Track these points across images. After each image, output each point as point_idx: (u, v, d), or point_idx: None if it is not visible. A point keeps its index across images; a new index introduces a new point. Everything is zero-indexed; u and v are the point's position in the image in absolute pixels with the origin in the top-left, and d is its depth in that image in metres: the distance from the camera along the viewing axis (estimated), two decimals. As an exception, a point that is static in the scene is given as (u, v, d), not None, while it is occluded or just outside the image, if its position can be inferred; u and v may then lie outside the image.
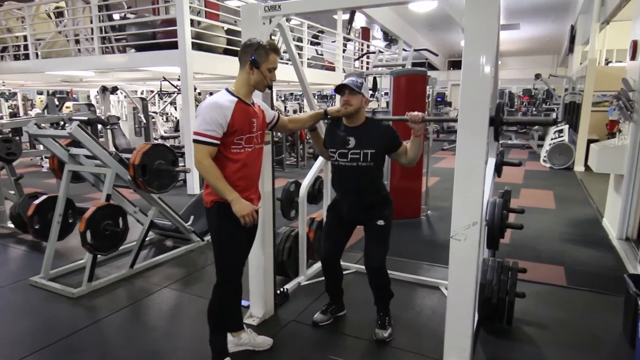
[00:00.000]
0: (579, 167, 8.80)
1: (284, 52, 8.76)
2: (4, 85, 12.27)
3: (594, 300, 3.22)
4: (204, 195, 2.24)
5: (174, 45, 6.47)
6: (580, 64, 10.75)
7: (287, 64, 8.95)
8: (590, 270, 3.76)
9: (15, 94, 15.02)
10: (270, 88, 2.26)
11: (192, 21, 6.54)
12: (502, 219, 2.72)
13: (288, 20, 9.60)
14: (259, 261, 2.82)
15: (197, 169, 2.11)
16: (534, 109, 18.09)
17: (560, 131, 9.61)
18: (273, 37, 6.94)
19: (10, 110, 13.88)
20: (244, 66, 2.17)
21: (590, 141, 8.69)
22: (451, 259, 2.25)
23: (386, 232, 2.59)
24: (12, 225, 4.68)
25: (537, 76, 12.34)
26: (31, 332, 2.78)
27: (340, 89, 2.50)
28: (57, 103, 9.26)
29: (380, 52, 11.79)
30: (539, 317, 2.93)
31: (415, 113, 2.42)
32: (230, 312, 2.33)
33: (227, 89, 2.19)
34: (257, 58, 2.13)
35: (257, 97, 2.62)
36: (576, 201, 6.30)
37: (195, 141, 2.07)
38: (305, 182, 3.40)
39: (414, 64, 11.82)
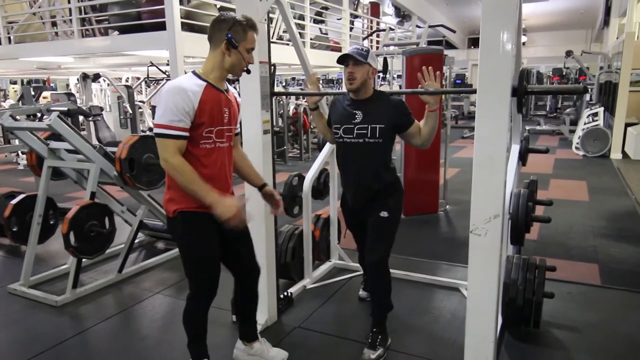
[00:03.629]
0: (615, 155, 8.76)
1: (284, 31, 8.79)
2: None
3: (632, 300, 3.24)
4: (164, 203, 2.16)
5: (161, 26, 6.50)
6: (617, 38, 10.67)
7: (287, 44, 8.96)
8: (628, 268, 3.78)
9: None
10: (248, 72, 2.16)
11: (181, -2, 6.56)
12: (528, 211, 2.74)
13: (287, -5, 9.61)
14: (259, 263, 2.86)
15: (164, 167, 2.00)
16: (565, 90, 18.02)
17: (595, 114, 9.58)
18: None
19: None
20: (217, 46, 2.07)
21: (628, 125, 8.68)
22: (471, 256, 2.27)
23: (389, 225, 2.59)
24: (-13, 229, 4.75)
25: (569, 53, 12.25)
26: (11, 344, 2.85)
27: (343, 59, 2.48)
28: (33, 93, 9.32)
29: (391, 29, 11.75)
30: (569, 320, 2.96)
31: (429, 82, 2.37)
32: (203, 323, 2.31)
33: (193, 72, 2.10)
34: (234, 36, 2.03)
35: (255, 81, 2.65)
36: (612, 192, 6.29)
37: (159, 135, 1.96)
38: (309, 176, 3.43)
39: (429, 42, 11.72)
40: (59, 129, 3.26)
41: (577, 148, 9.49)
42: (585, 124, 9.59)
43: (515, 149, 3.15)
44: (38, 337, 2.92)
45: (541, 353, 2.64)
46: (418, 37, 13.97)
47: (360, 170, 2.58)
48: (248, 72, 2.17)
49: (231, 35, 2.03)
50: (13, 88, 16.71)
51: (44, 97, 11.28)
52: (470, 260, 2.28)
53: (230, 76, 2.21)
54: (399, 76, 6.04)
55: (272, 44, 2.82)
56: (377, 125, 2.48)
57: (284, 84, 19.77)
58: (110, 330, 3.03)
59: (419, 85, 2.41)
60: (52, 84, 15.88)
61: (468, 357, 2.36)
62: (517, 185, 3.10)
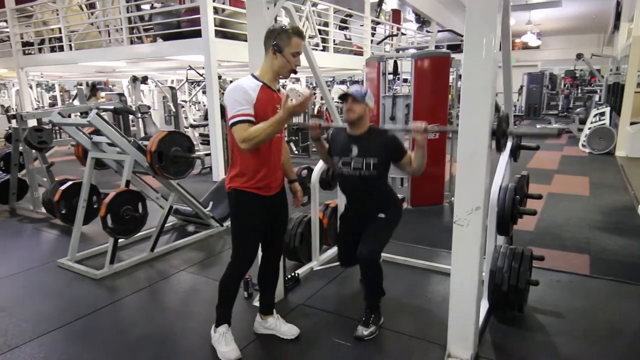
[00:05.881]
0: (620, 152, 8.36)
1: (309, 37, 8.76)
2: (42, 77, 12.88)
3: (617, 289, 3.10)
4: (226, 180, 2.32)
5: (198, 34, 6.59)
6: (626, 42, 10.15)
7: (314, 49, 8.94)
8: (618, 259, 3.61)
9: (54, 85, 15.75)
10: (295, 73, 2.26)
11: (216, 9, 6.63)
12: (514, 204, 2.65)
13: (314, 5, 9.56)
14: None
15: (245, 149, 2.08)
16: (577, 91, 17.32)
17: (602, 114, 9.17)
18: (279, 18, 6.91)
19: (50, 102, 14.60)
20: (267, 51, 2.20)
21: (633, 124, 8.27)
22: (454, 245, 2.23)
23: (385, 225, 2.60)
24: (45, 211, 4.96)
25: (579, 56, 11.77)
26: (56, 310, 2.97)
27: (344, 97, 2.54)
28: (87, 93, 9.62)
29: (402, 34, 11.58)
30: (555, 306, 2.86)
31: (418, 123, 2.39)
32: (235, 289, 2.41)
33: (252, 74, 2.23)
34: (279, 42, 2.15)
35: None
36: (613, 188, 6.02)
37: (232, 124, 2.07)
38: (317, 168, 3.42)
39: (448, 47, 11.37)
40: (97, 124, 3.36)
41: (583, 145, 9.11)
42: (592, 122, 9.19)
43: (507, 145, 3.03)
44: (79, 304, 3.04)
45: (523, 335, 2.56)
46: (437, 41, 13.70)
47: (359, 196, 2.66)
48: (295, 72, 2.26)
49: (276, 42, 2.15)
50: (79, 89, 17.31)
51: (101, 97, 11.63)
52: (454, 248, 2.24)
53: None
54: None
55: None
56: (371, 160, 2.52)
57: (313, 85, 19.68)
58: (140, 301, 3.12)
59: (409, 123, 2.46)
60: (110, 86, 16.33)
61: (451, 336, 2.33)
62: (511, 180, 3.00)
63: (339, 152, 2.62)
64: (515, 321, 2.70)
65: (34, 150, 4.92)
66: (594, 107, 10.39)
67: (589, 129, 9.04)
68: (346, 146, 2.58)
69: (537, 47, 20.45)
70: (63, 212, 4.08)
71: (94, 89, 8.52)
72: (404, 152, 2.53)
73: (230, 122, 2.10)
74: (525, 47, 20.40)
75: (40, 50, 9.32)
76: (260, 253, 2.53)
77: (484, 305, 2.75)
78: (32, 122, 4.97)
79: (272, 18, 2.65)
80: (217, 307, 2.44)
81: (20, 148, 4.96)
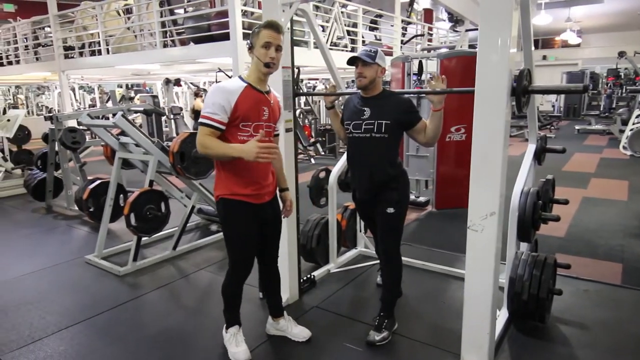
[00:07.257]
0: (664, 155, 7.90)
1: (338, 38, 8.72)
2: (82, 80, 13.43)
3: (650, 302, 2.91)
4: (214, 189, 2.27)
5: (227, 37, 6.68)
6: (673, 38, 9.57)
7: (342, 50, 8.90)
8: (653, 269, 3.40)
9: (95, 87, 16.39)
10: (267, 66, 2.10)
11: (244, 12, 6.70)
12: (535, 209, 2.53)
13: (344, 6, 9.51)
14: (282, 247, 2.86)
15: (200, 151, 2.08)
16: (621, 90, 16.49)
17: (645, 115, 8.68)
18: (327, 24, 6.82)
19: (90, 103, 15.22)
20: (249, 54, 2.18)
21: (678, 125, 7.77)
22: (468, 251, 2.16)
23: (395, 220, 2.50)
24: (77, 208, 5.15)
25: (621, 54, 11.25)
26: (79, 305, 3.07)
27: (352, 61, 2.39)
28: (124, 95, 9.96)
29: (429, 34, 11.39)
30: (580, 317, 2.72)
31: (434, 83, 2.28)
32: (238, 294, 2.39)
33: (239, 76, 2.21)
34: (251, 39, 2.12)
35: (278, 84, 2.64)
36: (654, 193, 5.68)
37: (199, 124, 2.09)
38: (335, 170, 3.39)
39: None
40: (123, 126, 3.46)
41: (624, 148, 8.64)
42: (633, 123, 8.70)
43: (531, 148, 2.91)
44: (101, 300, 3.13)
45: (543, 346, 2.44)
46: (471, 40, 13.37)
47: (366, 163, 2.48)
48: (267, 66, 2.11)
49: (250, 41, 2.14)
50: (118, 91, 17.98)
51: (137, 99, 12.02)
52: (468, 254, 2.17)
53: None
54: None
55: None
56: (383, 121, 2.39)
57: (347, 86, 19.62)
58: (159, 298, 3.19)
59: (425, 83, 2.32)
60: (147, 88, 16.85)
61: (465, 345, 2.25)
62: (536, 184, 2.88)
63: (351, 116, 2.50)
64: (536, 331, 2.58)
65: (68, 150, 5.12)
66: (637, 108, 9.85)
67: (631, 130, 8.56)
68: (359, 109, 2.47)
69: (578, 45, 19.62)
70: (91, 209, 4.22)
71: (198, 92, 9.21)
72: (418, 117, 2.41)
73: (199, 120, 2.10)
74: (565, 45, 19.62)
75: (80, 54, 9.70)
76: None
77: (503, 314, 2.64)
78: (71, 123, 5.17)
79: (287, 20, 2.64)
80: (224, 311, 2.43)
81: (56, 148, 5.17)
